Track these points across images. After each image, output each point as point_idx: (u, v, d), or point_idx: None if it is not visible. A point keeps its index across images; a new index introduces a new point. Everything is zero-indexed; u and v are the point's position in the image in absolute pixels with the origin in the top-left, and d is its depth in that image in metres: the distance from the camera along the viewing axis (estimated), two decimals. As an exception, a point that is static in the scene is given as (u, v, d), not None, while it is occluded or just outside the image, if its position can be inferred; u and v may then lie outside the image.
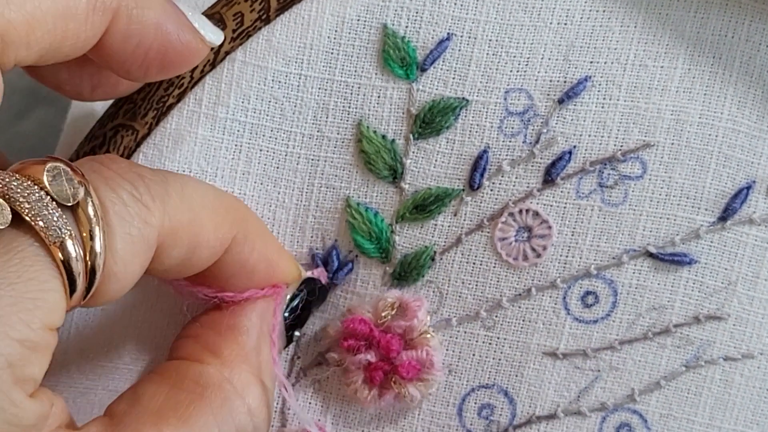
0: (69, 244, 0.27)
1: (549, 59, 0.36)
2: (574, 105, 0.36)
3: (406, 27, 0.36)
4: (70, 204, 0.28)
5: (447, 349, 0.37)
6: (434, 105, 0.36)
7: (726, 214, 0.36)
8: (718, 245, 0.36)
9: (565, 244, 0.36)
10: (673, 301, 0.36)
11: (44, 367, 0.28)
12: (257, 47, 0.35)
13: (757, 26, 0.35)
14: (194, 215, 0.31)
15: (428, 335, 0.37)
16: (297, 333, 0.36)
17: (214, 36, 0.33)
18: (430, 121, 0.36)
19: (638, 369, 0.37)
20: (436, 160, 0.36)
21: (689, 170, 0.36)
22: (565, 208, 0.36)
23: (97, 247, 0.28)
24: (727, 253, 0.36)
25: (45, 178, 0.28)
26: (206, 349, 0.33)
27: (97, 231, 0.28)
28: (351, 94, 0.36)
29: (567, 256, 0.36)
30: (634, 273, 0.36)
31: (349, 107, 0.36)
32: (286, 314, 0.35)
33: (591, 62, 0.36)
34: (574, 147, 0.36)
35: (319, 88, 0.36)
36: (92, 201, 0.28)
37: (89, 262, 0.28)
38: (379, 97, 0.36)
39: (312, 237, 0.37)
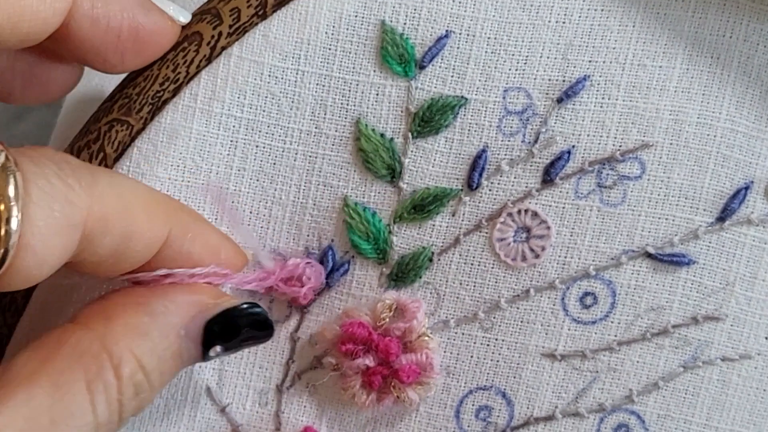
0: None
1: (548, 58, 0.35)
2: (573, 104, 0.36)
3: (405, 24, 0.35)
4: None
5: (445, 351, 0.37)
6: (433, 103, 0.35)
7: (724, 215, 0.36)
8: (716, 246, 0.36)
9: (563, 245, 0.36)
10: (672, 302, 0.36)
11: None
12: (254, 42, 0.35)
13: (754, 26, 0.35)
14: (125, 204, 0.30)
15: (427, 338, 0.36)
16: (212, 353, 0.32)
17: (182, 16, 0.33)
18: (429, 119, 0.35)
19: (636, 370, 0.37)
20: (434, 160, 0.36)
21: (688, 170, 0.36)
22: (563, 208, 0.36)
23: (14, 214, 0.27)
24: (725, 253, 0.36)
25: None
26: (102, 315, 0.31)
27: (12, 192, 0.27)
28: (349, 91, 0.35)
29: (566, 257, 0.36)
30: (632, 274, 0.36)
31: (348, 104, 0.35)
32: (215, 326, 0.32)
33: (590, 61, 0.36)
34: (573, 147, 0.36)
35: (317, 84, 0.35)
36: (12, 171, 0.27)
37: (2, 229, 0.27)
38: (377, 94, 0.35)
39: (308, 236, 0.36)
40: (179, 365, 0.32)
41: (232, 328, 0.32)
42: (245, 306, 0.33)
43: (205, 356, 0.32)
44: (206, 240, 0.33)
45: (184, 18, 0.33)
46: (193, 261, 0.32)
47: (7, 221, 0.27)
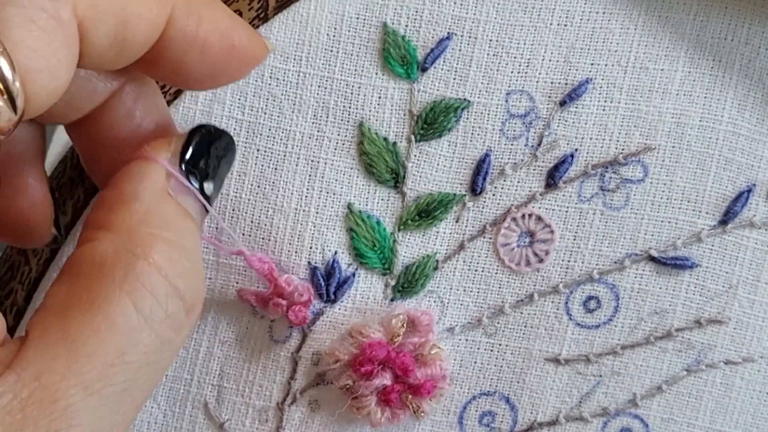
0: None
1: (550, 61, 0.35)
2: (576, 107, 0.35)
3: (406, 26, 0.35)
4: None
5: (449, 359, 0.36)
6: (436, 105, 0.35)
7: (727, 218, 0.36)
8: (719, 249, 0.36)
9: (567, 249, 0.36)
10: (675, 305, 0.36)
11: None
12: (255, 44, 0.34)
13: (756, 29, 0.35)
14: None
15: (438, 349, 0.35)
16: (207, 191, 0.30)
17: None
18: (432, 121, 0.35)
19: (640, 373, 0.36)
20: (438, 164, 0.35)
21: (690, 173, 0.36)
22: (567, 212, 0.36)
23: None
24: (728, 256, 0.36)
25: None
26: (97, 227, 0.29)
27: None
28: (351, 93, 0.35)
29: (569, 261, 0.36)
30: (636, 277, 0.36)
31: (350, 107, 0.35)
32: (183, 166, 0.30)
33: (592, 64, 0.35)
34: (576, 150, 0.35)
35: (319, 86, 0.34)
36: None
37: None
38: (380, 97, 0.35)
39: (311, 247, 0.35)
40: (194, 223, 0.30)
41: (201, 150, 0.31)
42: (191, 134, 0.31)
43: (208, 199, 0.31)
44: (214, 21, 0.30)
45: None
46: (200, 42, 0.29)
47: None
